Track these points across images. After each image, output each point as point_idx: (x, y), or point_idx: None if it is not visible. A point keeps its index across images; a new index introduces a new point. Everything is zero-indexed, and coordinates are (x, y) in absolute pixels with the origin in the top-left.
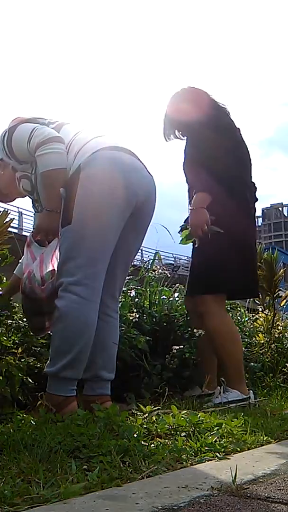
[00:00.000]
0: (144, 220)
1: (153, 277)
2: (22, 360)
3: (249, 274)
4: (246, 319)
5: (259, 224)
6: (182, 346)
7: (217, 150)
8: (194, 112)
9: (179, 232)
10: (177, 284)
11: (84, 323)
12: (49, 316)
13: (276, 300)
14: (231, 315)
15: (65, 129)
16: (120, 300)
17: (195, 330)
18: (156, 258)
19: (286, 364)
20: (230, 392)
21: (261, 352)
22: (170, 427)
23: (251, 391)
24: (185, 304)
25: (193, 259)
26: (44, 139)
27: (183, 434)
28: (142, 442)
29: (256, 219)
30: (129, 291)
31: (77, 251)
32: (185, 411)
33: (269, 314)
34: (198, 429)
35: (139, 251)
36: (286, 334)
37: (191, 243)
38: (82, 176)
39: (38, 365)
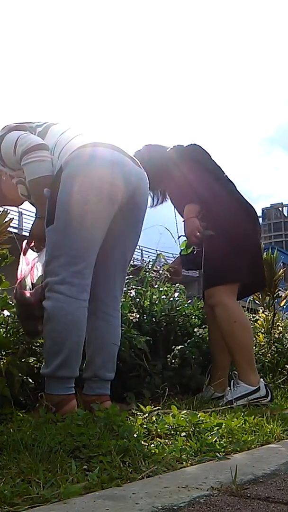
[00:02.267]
0: (136, 214)
1: (153, 277)
2: (22, 360)
3: (255, 264)
4: None
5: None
6: (183, 346)
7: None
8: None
9: (179, 238)
10: (177, 284)
11: (72, 322)
12: (41, 320)
13: (276, 300)
14: None
15: (52, 131)
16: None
17: (195, 330)
18: (158, 259)
19: (286, 365)
20: (238, 386)
21: (261, 352)
22: (170, 427)
23: (262, 380)
24: (204, 309)
25: (203, 264)
26: (27, 148)
27: (183, 434)
28: (142, 442)
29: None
30: (129, 291)
31: (60, 250)
32: (185, 411)
33: (269, 314)
34: (198, 429)
35: (140, 251)
36: (286, 334)
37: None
38: (63, 175)
39: (38, 365)
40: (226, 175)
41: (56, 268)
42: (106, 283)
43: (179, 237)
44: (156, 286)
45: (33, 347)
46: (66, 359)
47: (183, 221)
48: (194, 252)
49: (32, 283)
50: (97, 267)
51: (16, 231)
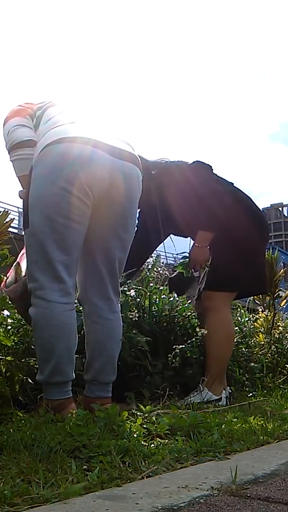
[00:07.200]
0: (113, 211)
1: (153, 277)
2: (22, 360)
3: (257, 274)
4: (246, 319)
5: None
6: (183, 346)
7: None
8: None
9: (180, 263)
10: None
11: (57, 327)
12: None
13: (276, 300)
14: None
15: (46, 115)
16: (120, 300)
17: (197, 329)
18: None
19: (286, 365)
20: (202, 391)
21: (261, 352)
22: (170, 427)
23: (224, 392)
24: (195, 307)
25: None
26: (11, 146)
27: (183, 434)
28: (142, 442)
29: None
30: (129, 291)
31: (35, 254)
32: (185, 411)
33: (269, 314)
34: (198, 429)
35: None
36: (286, 334)
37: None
38: (33, 176)
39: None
40: (232, 184)
41: (34, 273)
42: (96, 285)
43: (181, 253)
44: (151, 285)
45: (33, 347)
46: (57, 365)
47: (196, 245)
48: (189, 276)
49: (15, 278)
50: (86, 268)
51: (16, 231)
